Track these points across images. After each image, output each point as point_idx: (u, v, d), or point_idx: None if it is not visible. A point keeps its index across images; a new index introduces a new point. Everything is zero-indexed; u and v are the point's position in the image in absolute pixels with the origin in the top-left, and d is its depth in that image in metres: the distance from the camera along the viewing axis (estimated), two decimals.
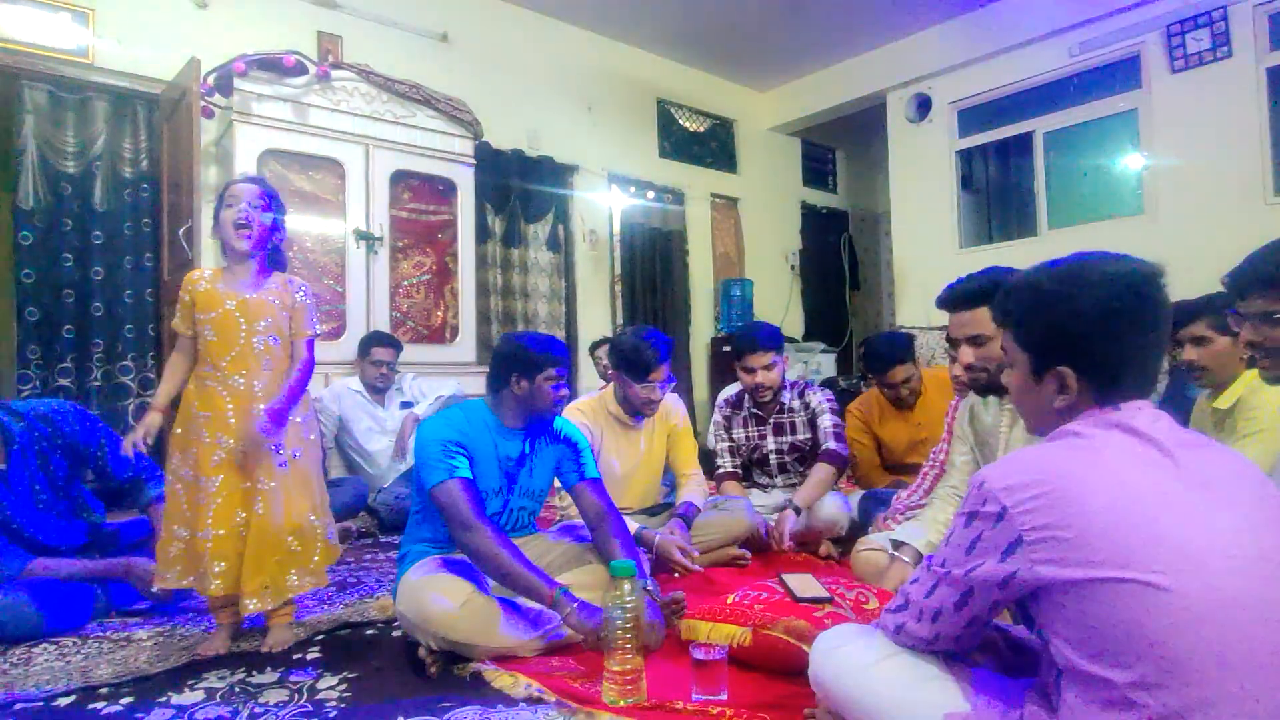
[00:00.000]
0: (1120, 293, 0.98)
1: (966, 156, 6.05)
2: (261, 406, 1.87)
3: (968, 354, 1.74)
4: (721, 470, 3.04)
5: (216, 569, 1.80)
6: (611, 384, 2.66)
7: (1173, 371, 2.29)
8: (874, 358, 3.07)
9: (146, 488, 2.38)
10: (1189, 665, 0.83)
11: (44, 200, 3.77)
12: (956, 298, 1.77)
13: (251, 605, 1.81)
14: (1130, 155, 5.19)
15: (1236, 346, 2.02)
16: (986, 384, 1.77)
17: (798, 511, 2.70)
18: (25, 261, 3.73)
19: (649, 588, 1.78)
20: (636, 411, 2.60)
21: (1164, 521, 0.88)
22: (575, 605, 1.64)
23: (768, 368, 2.86)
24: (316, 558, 1.92)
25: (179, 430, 1.90)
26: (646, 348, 2.47)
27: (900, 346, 3.04)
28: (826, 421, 2.91)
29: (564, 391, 1.97)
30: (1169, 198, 4.84)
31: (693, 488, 2.69)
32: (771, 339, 2.88)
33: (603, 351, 4.36)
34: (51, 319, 3.79)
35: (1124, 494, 0.90)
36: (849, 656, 1.15)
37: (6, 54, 3.57)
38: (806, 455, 2.96)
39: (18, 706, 1.55)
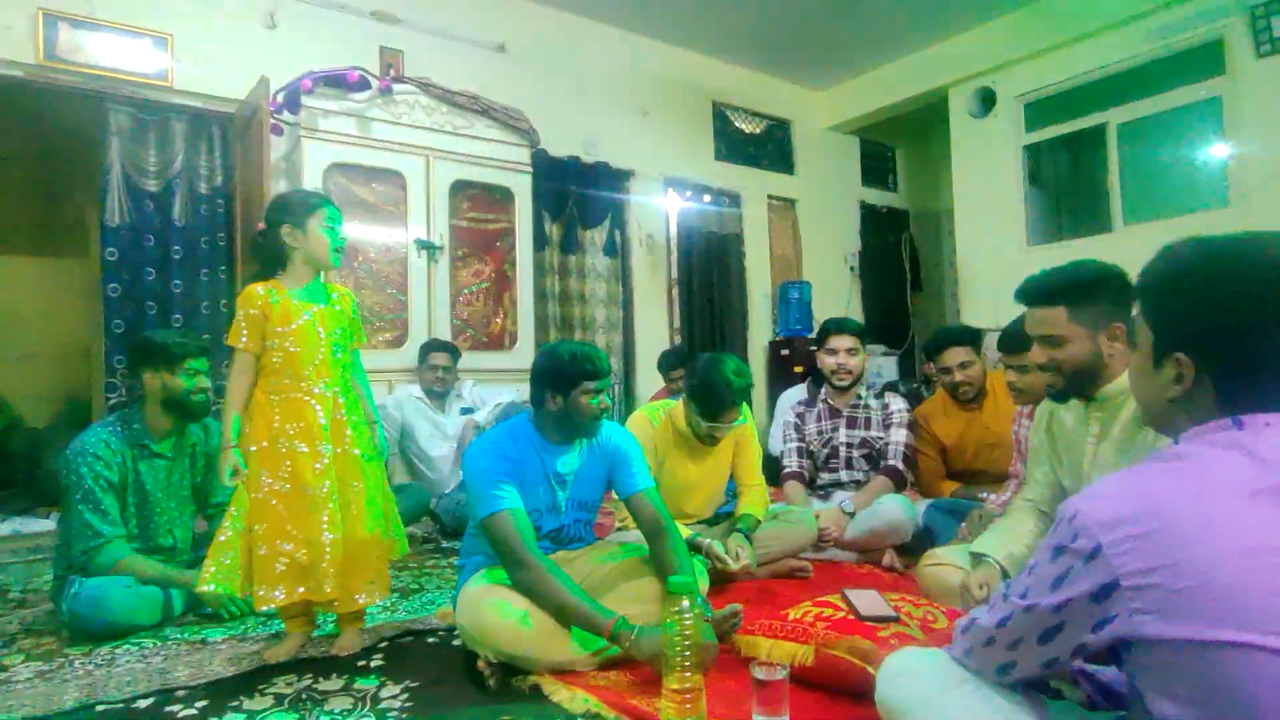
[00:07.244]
0: (1272, 280, 0.83)
1: (1034, 151, 5.83)
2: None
3: (1039, 354, 1.65)
4: (787, 470, 3.04)
5: (333, 572, 1.83)
6: (683, 403, 2.62)
7: None
8: (930, 341, 3.15)
9: None
10: None
11: (128, 217, 3.95)
12: (1028, 292, 1.66)
13: (361, 600, 1.91)
14: (1214, 145, 4.92)
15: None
16: (1063, 390, 1.67)
17: (850, 515, 2.71)
18: (111, 276, 3.92)
19: (699, 609, 1.75)
20: (700, 439, 2.56)
21: None
22: (634, 634, 1.62)
23: (850, 351, 2.98)
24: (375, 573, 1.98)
25: (264, 444, 1.84)
26: (724, 392, 2.38)
27: (956, 330, 3.11)
28: (898, 436, 2.96)
29: (605, 405, 1.91)
30: (1259, 190, 4.56)
31: (754, 499, 2.63)
32: (858, 326, 3.07)
33: (677, 374, 4.46)
34: (136, 330, 3.93)
35: (1244, 539, 0.76)
36: (918, 683, 1.11)
37: (93, 79, 3.76)
38: (874, 455, 2.98)
39: (100, 708, 1.63)
